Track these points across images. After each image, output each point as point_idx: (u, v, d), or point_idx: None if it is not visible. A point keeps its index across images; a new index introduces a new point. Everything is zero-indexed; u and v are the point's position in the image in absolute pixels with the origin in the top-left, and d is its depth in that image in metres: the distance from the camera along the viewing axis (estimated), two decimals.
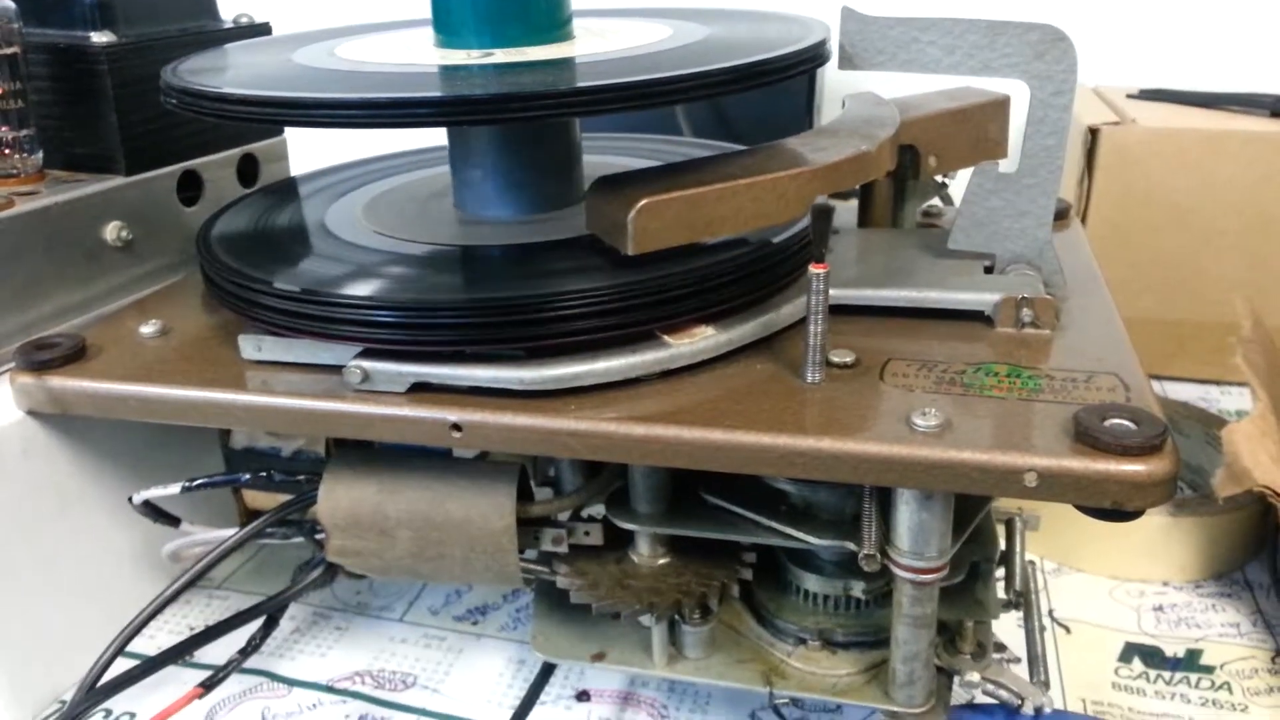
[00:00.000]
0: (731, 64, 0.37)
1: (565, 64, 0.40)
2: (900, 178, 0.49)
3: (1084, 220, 0.68)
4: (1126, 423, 0.31)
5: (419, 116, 0.34)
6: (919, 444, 0.32)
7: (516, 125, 0.43)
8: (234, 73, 0.43)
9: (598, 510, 0.40)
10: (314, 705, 0.44)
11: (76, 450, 0.44)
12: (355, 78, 0.40)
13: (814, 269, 0.35)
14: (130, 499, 0.42)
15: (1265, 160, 0.65)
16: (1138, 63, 0.81)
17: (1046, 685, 0.38)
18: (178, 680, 0.44)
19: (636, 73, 0.36)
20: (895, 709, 0.37)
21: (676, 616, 0.39)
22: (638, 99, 0.35)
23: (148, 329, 0.43)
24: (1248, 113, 0.69)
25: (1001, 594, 0.41)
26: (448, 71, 0.40)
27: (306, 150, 0.63)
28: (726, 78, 0.37)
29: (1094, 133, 0.67)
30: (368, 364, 0.37)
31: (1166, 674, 0.44)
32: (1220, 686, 0.43)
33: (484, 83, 0.37)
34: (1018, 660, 0.40)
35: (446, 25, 0.43)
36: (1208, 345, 0.68)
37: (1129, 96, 0.75)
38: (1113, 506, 0.31)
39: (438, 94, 0.36)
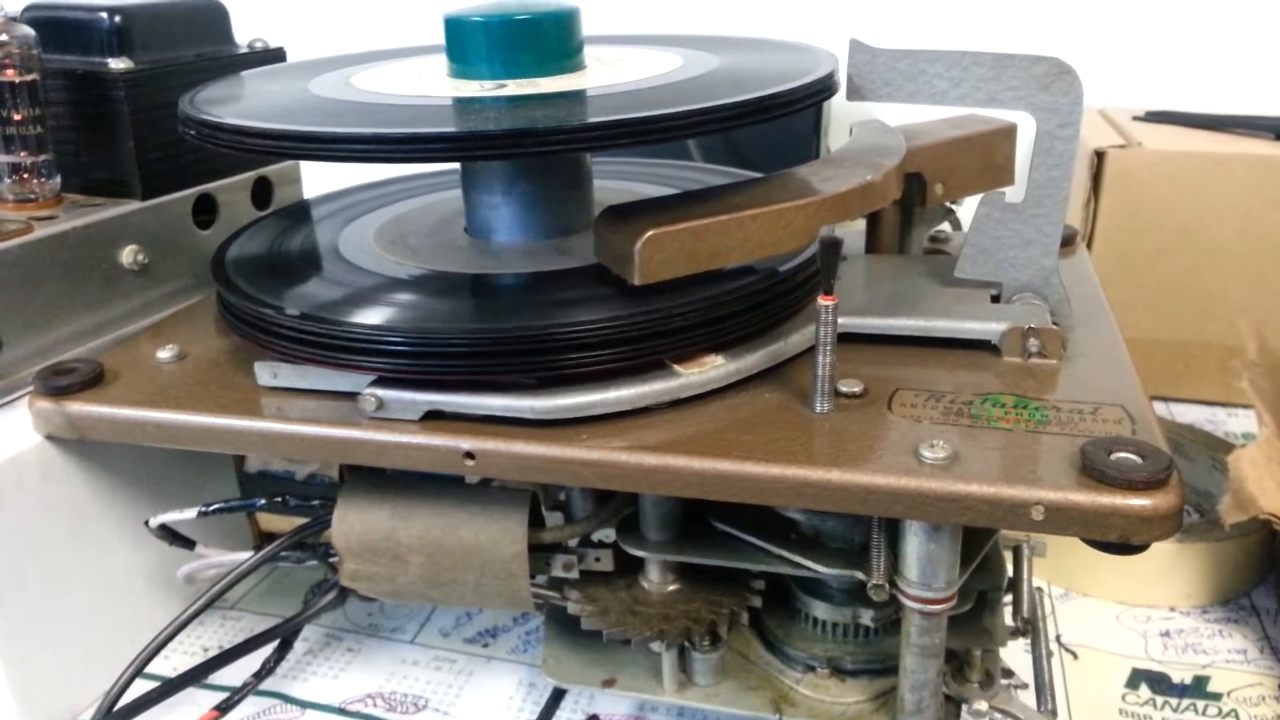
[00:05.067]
0: (741, 99, 0.37)
1: (577, 97, 0.40)
2: (907, 205, 0.49)
3: (1089, 242, 0.69)
4: (1133, 457, 0.32)
5: (434, 151, 0.35)
6: (927, 476, 0.32)
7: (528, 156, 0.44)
8: (251, 103, 0.44)
9: (608, 536, 0.41)
10: None
11: (93, 474, 0.45)
12: (371, 110, 0.40)
13: (822, 300, 0.35)
14: (147, 522, 0.43)
15: (1270, 183, 0.65)
16: (1143, 85, 0.82)
17: (1054, 713, 0.38)
18: (193, 702, 0.45)
19: (647, 107, 0.36)
20: None
21: (686, 643, 0.39)
22: (649, 134, 0.36)
23: (164, 354, 0.44)
24: (1252, 135, 0.70)
25: (1009, 620, 0.41)
26: (461, 104, 0.40)
27: (319, 173, 0.64)
28: (737, 112, 0.37)
29: (1100, 155, 0.67)
30: (382, 392, 0.37)
31: (1174, 700, 0.44)
32: (1228, 714, 0.43)
33: (497, 117, 0.38)
34: (1025, 687, 0.41)
35: (460, 55, 0.44)
36: (1213, 367, 0.69)
37: (1134, 119, 0.76)
38: (1119, 540, 0.31)
39: (452, 130, 0.36)
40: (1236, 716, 0.43)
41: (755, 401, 0.38)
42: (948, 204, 0.51)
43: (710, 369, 0.38)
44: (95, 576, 0.45)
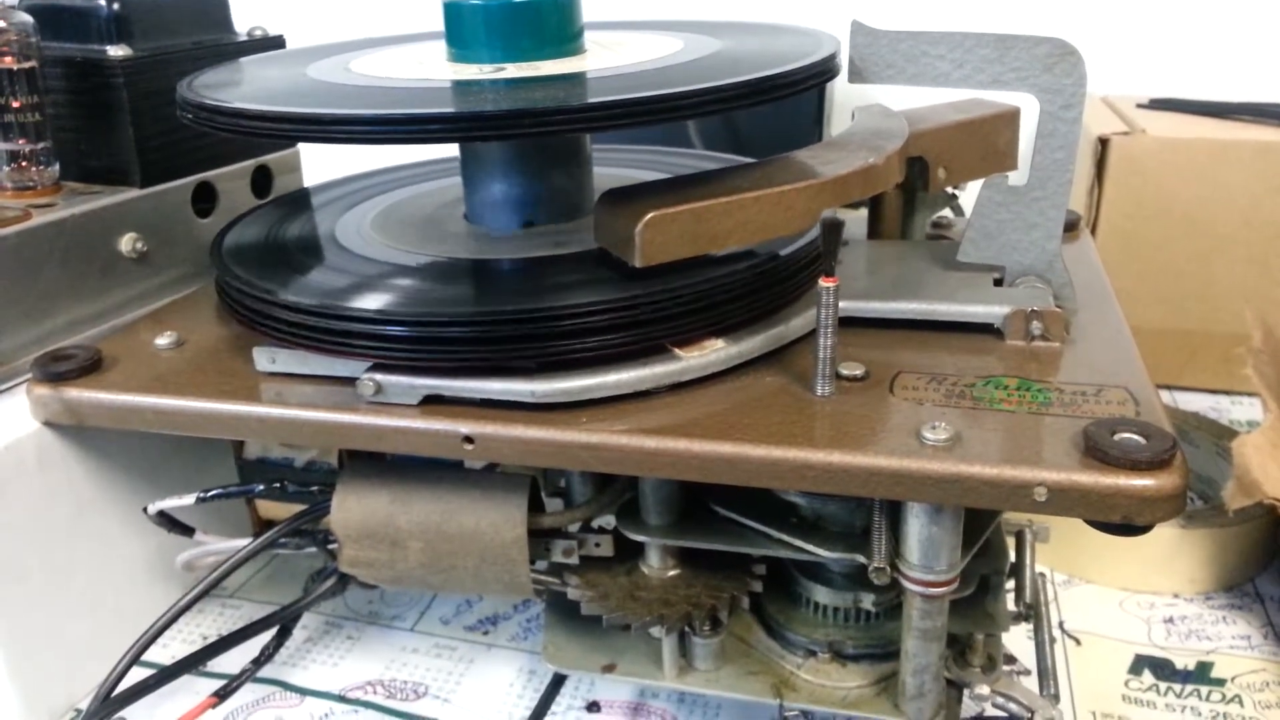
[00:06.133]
0: (742, 79, 0.37)
1: (577, 79, 0.40)
2: (909, 189, 0.49)
3: (1093, 230, 0.68)
4: (1136, 437, 0.32)
5: (433, 132, 0.35)
6: (929, 458, 0.32)
7: (528, 140, 0.44)
8: (249, 87, 0.43)
9: (608, 521, 0.40)
10: (326, 715, 0.44)
11: (92, 461, 0.44)
12: (370, 93, 0.40)
13: (824, 283, 0.35)
14: (145, 509, 0.43)
15: (1275, 170, 0.65)
16: (1147, 72, 0.81)
17: (1057, 698, 0.38)
18: (191, 689, 0.45)
19: (648, 88, 0.36)
20: None
21: (687, 628, 0.39)
22: (649, 114, 0.35)
23: (162, 340, 0.43)
24: (1257, 123, 0.69)
25: (1012, 606, 0.41)
26: (461, 87, 0.40)
27: (319, 161, 0.64)
28: (737, 93, 0.37)
29: (1104, 143, 0.67)
30: (381, 377, 0.37)
31: (1177, 686, 0.44)
32: (1231, 699, 0.43)
33: (496, 98, 0.37)
34: (1027, 672, 0.41)
35: (459, 39, 0.44)
36: (1218, 355, 0.68)
37: (1139, 106, 0.75)
38: (1122, 521, 0.31)
39: (451, 110, 0.36)
40: (1240, 702, 0.43)
41: (756, 385, 0.38)
42: (950, 189, 0.51)
43: (711, 352, 0.38)
44: (94, 564, 0.45)
